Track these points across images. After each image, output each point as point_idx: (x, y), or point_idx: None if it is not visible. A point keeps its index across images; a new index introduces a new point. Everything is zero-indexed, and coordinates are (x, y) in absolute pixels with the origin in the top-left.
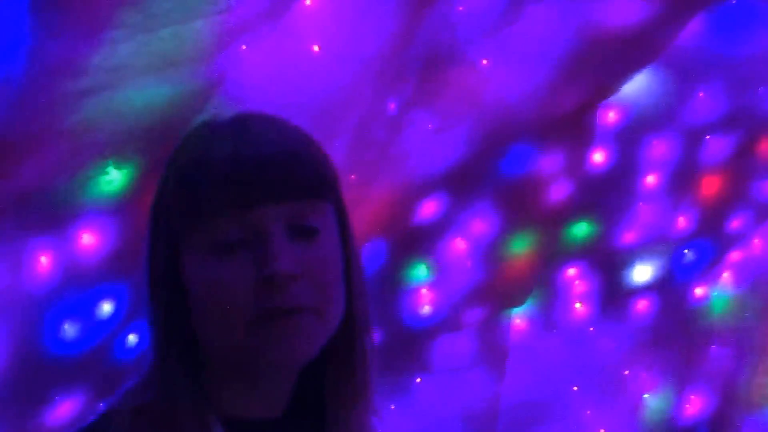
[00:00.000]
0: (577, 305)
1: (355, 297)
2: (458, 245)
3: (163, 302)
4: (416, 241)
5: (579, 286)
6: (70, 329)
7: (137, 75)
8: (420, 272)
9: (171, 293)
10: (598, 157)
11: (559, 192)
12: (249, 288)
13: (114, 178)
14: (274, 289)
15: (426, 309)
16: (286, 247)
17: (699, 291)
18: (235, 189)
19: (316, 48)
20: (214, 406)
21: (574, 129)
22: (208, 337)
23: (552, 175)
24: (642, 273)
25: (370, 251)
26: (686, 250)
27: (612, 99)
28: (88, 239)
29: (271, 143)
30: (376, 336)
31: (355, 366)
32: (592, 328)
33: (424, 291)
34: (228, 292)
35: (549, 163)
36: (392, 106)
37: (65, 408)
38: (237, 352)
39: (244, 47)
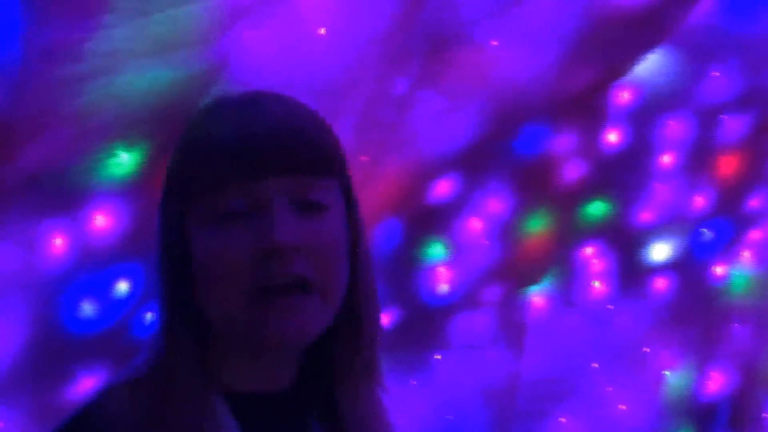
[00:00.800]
0: (595, 283)
1: (362, 275)
2: (474, 224)
3: (169, 274)
4: (431, 220)
5: (596, 265)
6: (87, 308)
7: (135, 59)
8: (436, 251)
9: (178, 265)
10: (612, 137)
11: (573, 171)
12: (248, 259)
13: (123, 161)
14: (274, 261)
15: (443, 287)
16: (287, 219)
17: (719, 270)
18: (240, 160)
19: (322, 31)
20: (216, 379)
21: (586, 109)
22: (210, 309)
23: (566, 155)
24: (660, 251)
25: (386, 230)
26: (704, 229)
27: (625, 79)
28: (100, 220)
29: (280, 118)
30: (395, 314)
31: (361, 344)
32: (610, 306)
33: (441, 269)
34: (227, 261)
35: (563, 143)
36: (398, 86)
37: (86, 384)
38: (237, 327)
39: (246, 30)
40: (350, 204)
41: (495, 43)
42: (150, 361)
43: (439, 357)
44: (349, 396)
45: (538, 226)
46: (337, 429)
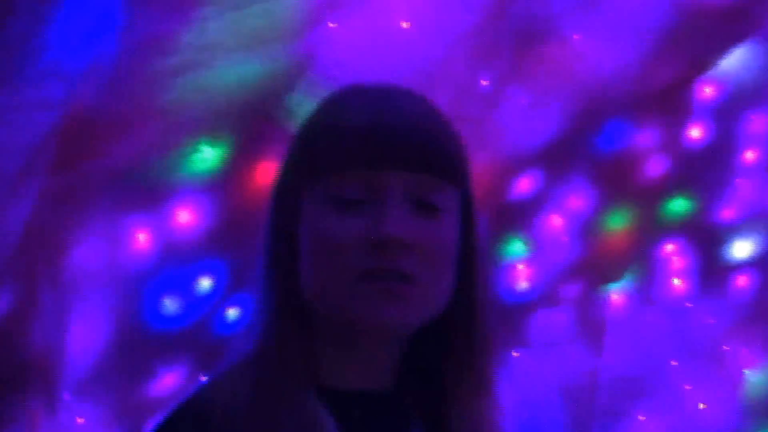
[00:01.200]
0: (675, 281)
1: (478, 283)
2: (554, 221)
3: (278, 255)
4: (512, 217)
5: (677, 262)
6: (170, 305)
7: (227, 52)
8: (516, 248)
9: (286, 245)
10: (695, 132)
11: (655, 167)
12: (358, 247)
13: (207, 156)
14: (382, 252)
15: (523, 284)
16: (402, 215)
17: None
18: (368, 148)
19: (405, 24)
20: (316, 373)
21: (670, 104)
22: (311, 289)
23: (648, 151)
24: (742, 249)
25: None
26: None
27: (709, 74)
28: (184, 216)
29: (413, 114)
30: None
31: (474, 357)
32: (690, 304)
33: (520, 267)
34: (336, 244)
35: (645, 138)
36: (485, 81)
37: (168, 380)
38: (337, 311)
39: (332, 24)
40: (469, 213)
41: (579, 37)
42: (254, 349)
43: (516, 354)
44: (460, 411)
45: (618, 223)
46: None
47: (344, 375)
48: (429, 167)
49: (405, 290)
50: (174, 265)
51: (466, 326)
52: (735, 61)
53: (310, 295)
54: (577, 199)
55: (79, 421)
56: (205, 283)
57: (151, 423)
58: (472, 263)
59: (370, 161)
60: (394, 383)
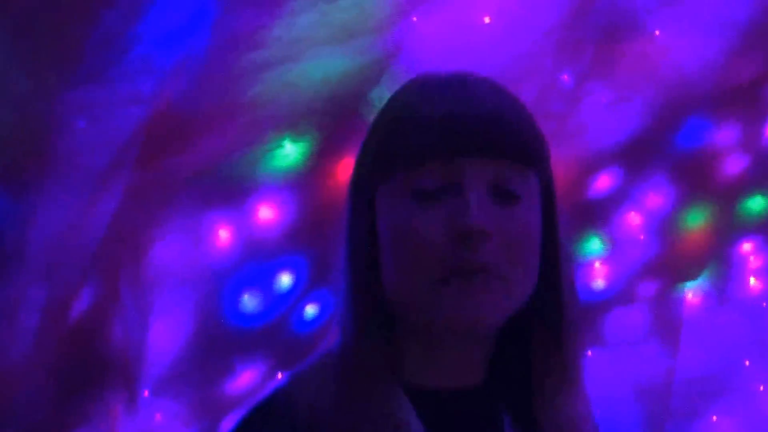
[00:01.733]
0: (752, 280)
1: (561, 274)
2: (632, 219)
3: (357, 252)
4: (591, 215)
5: (754, 261)
6: (249, 301)
7: (316, 46)
8: (594, 245)
9: (365, 242)
10: None
11: (734, 165)
12: (439, 239)
13: (289, 153)
14: (465, 244)
15: (599, 282)
16: (483, 204)
17: None
18: (444, 137)
19: (486, 19)
20: (398, 370)
21: (750, 101)
22: (393, 288)
23: (728, 148)
24: None
25: None
26: None
27: None
28: (265, 213)
29: (488, 101)
30: None
31: (561, 347)
32: (766, 304)
33: (597, 264)
34: (418, 240)
35: (725, 136)
36: (568, 77)
37: (246, 377)
38: (420, 310)
39: (416, 18)
40: (549, 199)
41: (661, 33)
42: (336, 347)
43: (590, 354)
44: (547, 402)
45: (696, 221)
46: None
47: (431, 373)
48: (507, 152)
49: (491, 283)
50: (254, 261)
51: (551, 318)
52: None
53: (393, 293)
54: (656, 197)
55: (158, 417)
56: (285, 280)
57: (230, 420)
58: (555, 253)
59: (447, 150)
60: (484, 378)
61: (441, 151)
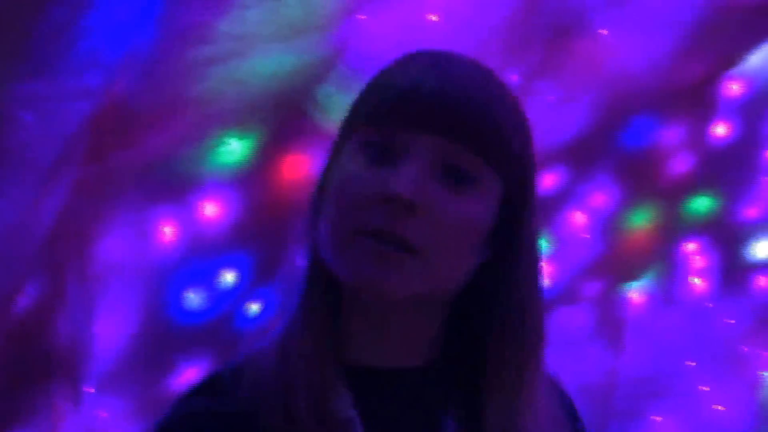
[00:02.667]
0: (696, 280)
1: (524, 277)
2: (577, 218)
3: (313, 216)
4: None
5: (698, 261)
6: (193, 298)
7: (263, 43)
8: None
9: (320, 204)
10: (720, 130)
11: (680, 165)
12: (369, 198)
13: (235, 149)
14: (388, 211)
15: (544, 281)
16: (419, 177)
17: None
18: (402, 105)
19: (434, 17)
20: (340, 348)
21: (696, 101)
22: (320, 242)
23: (673, 148)
24: (764, 249)
25: None
26: None
27: (735, 71)
28: (210, 209)
29: (463, 83)
30: None
31: (517, 352)
32: (710, 304)
33: (542, 264)
34: (350, 191)
35: (670, 135)
36: (516, 76)
37: (190, 374)
38: (332, 262)
39: (363, 15)
40: (518, 206)
41: (608, 32)
42: (272, 336)
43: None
44: (500, 402)
45: (641, 221)
46: (479, 426)
47: (376, 352)
48: (462, 137)
49: (402, 258)
50: (199, 258)
51: (511, 320)
52: (762, 58)
53: (320, 246)
54: (601, 196)
55: (102, 414)
56: (228, 277)
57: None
58: (516, 258)
59: (402, 119)
60: (433, 359)
61: (395, 117)
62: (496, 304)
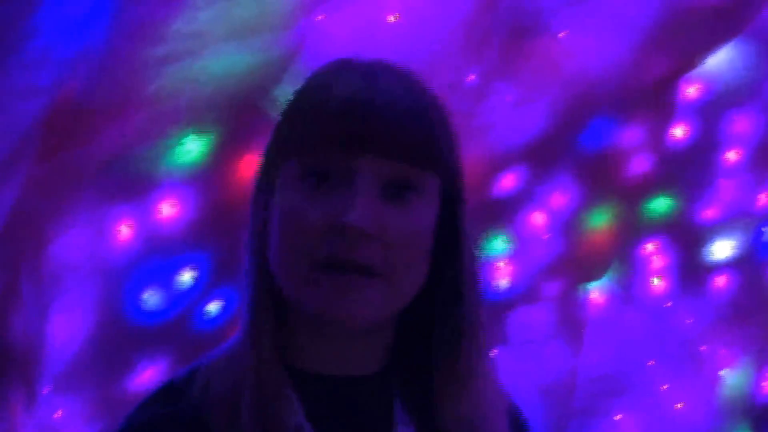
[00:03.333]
0: (655, 280)
1: (464, 271)
2: (537, 218)
3: (254, 239)
4: (495, 214)
5: (657, 261)
6: (150, 298)
7: (217, 42)
8: (498, 245)
9: (262, 230)
10: (678, 131)
11: (639, 166)
12: (319, 229)
13: (192, 148)
14: (344, 239)
15: (504, 281)
16: (370, 203)
17: None
18: (341, 130)
19: (393, 17)
20: (290, 358)
21: (654, 103)
22: (276, 274)
23: (632, 149)
24: (722, 249)
25: None
26: (766, 228)
27: (694, 73)
28: (167, 209)
29: (393, 97)
30: None
31: (461, 345)
32: (669, 303)
33: (502, 264)
34: (300, 226)
35: (629, 136)
36: (473, 76)
37: (147, 374)
38: (296, 296)
39: (322, 16)
40: (453, 201)
41: (567, 34)
42: (231, 340)
43: (496, 352)
44: (448, 399)
45: (600, 221)
46: (432, 426)
47: (324, 360)
48: (404, 155)
49: (365, 283)
50: (156, 257)
51: (454, 315)
52: (720, 60)
53: (276, 276)
54: (560, 197)
55: (58, 415)
56: (186, 277)
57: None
58: (458, 251)
59: (341, 143)
60: (383, 366)
61: (335, 143)
62: (440, 296)
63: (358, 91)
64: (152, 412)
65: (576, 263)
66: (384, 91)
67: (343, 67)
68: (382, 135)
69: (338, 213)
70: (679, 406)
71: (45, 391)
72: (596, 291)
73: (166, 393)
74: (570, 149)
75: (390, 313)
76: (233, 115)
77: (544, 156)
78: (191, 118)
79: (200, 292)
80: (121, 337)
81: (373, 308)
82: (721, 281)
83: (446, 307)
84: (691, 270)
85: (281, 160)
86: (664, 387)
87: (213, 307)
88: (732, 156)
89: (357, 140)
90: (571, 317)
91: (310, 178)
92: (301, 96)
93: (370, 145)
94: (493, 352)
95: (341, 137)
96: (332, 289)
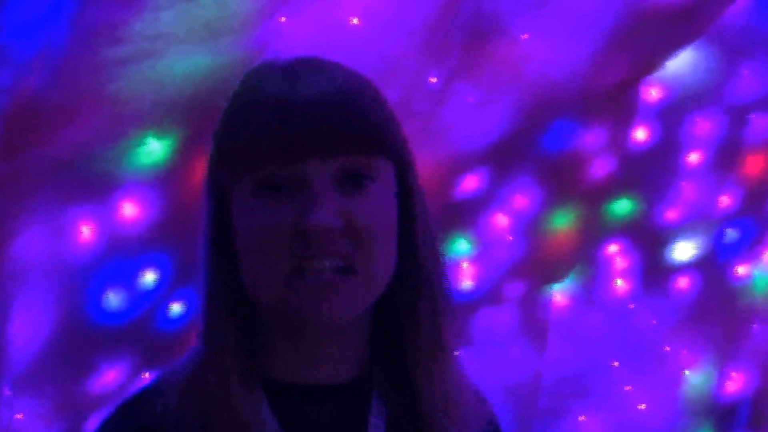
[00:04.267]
0: (618, 282)
1: (423, 252)
2: (499, 220)
3: (213, 254)
4: (457, 216)
5: (620, 263)
6: (113, 298)
7: (179, 43)
8: (461, 246)
9: (221, 245)
10: (640, 134)
11: (600, 168)
12: (287, 237)
13: (153, 149)
14: (312, 241)
15: (467, 283)
16: (328, 201)
17: (741, 270)
18: (278, 140)
19: (355, 20)
20: (261, 368)
21: (616, 105)
22: (252, 291)
23: (594, 152)
24: (684, 251)
25: None
26: (728, 229)
27: (655, 76)
28: (129, 209)
29: (321, 93)
30: None
31: (429, 323)
32: (632, 305)
33: (465, 265)
34: (266, 238)
35: (591, 139)
36: (434, 78)
37: (110, 376)
38: (274, 306)
39: (283, 18)
40: (406, 182)
41: (527, 36)
42: (198, 347)
43: (459, 353)
44: (424, 377)
45: (563, 223)
46: (412, 413)
47: (299, 369)
48: (346, 146)
49: (342, 283)
50: (118, 258)
51: (419, 297)
52: (681, 63)
53: (251, 292)
54: (522, 199)
55: (19, 416)
56: (149, 277)
57: (94, 419)
58: (414, 231)
59: (283, 153)
60: (361, 372)
61: (278, 153)
62: (407, 284)
63: (284, 96)
64: (123, 422)
65: (539, 265)
66: (310, 89)
67: (263, 74)
68: (317, 134)
69: (299, 219)
70: (642, 406)
71: (5, 392)
72: (559, 292)
73: (136, 402)
74: (532, 151)
75: (367, 304)
76: (195, 116)
77: (506, 158)
78: (153, 119)
79: (163, 292)
80: (83, 338)
81: (353, 302)
82: (683, 282)
83: (413, 293)
84: (653, 271)
85: (230, 179)
86: (628, 387)
87: (176, 308)
88: (694, 158)
89: (295, 146)
90: (534, 319)
91: (263, 193)
92: (232, 112)
93: (310, 147)
94: (457, 353)
95: (279, 147)
96: (311, 293)
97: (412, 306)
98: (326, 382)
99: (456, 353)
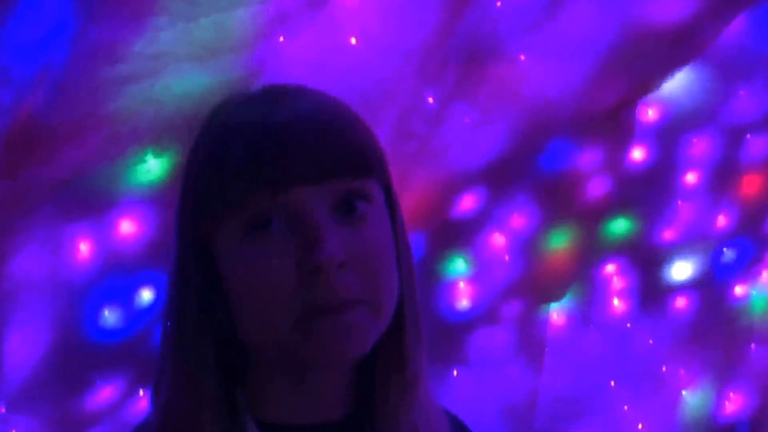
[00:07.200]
0: (615, 301)
1: (405, 283)
2: (496, 240)
3: (190, 299)
4: (454, 235)
5: (617, 283)
6: (110, 316)
7: (178, 63)
8: (458, 266)
9: (202, 291)
10: (637, 154)
11: (597, 188)
12: (293, 279)
13: (152, 168)
14: (320, 280)
15: (464, 303)
16: (331, 232)
17: (739, 290)
18: (268, 165)
19: (353, 40)
20: (253, 411)
21: (613, 126)
22: (250, 334)
23: (591, 171)
24: (681, 270)
25: None
26: (726, 249)
27: (652, 96)
28: (127, 227)
29: (307, 114)
30: None
31: (407, 356)
32: (629, 324)
33: (461, 285)
34: (271, 284)
35: (588, 159)
36: (431, 99)
37: (106, 393)
38: (283, 350)
39: (282, 38)
40: (392, 206)
41: (525, 57)
42: (169, 399)
43: (456, 373)
44: (393, 416)
45: (560, 243)
46: None
47: (294, 409)
48: (344, 170)
49: (354, 318)
50: (115, 275)
51: (396, 325)
52: (678, 83)
53: (250, 340)
54: (520, 218)
55: None
56: (146, 296)
57: None
58: (399, 256)
59: (272, 182)
60: (350, 411)
61: (264, 185)
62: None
63: (265, 124)
64: None
65: (536, 284)
66: (293, 111)
67: (239, 103)
68: (308, 156)
69: (305, 256)
70: (640, 426)
71: (1, 409)
72: (556, 312)
73: None
74: (529, 171)
75: (378, 336)
76: (193, 135)
77: (503, 178)
78: (151, 137)
79: (160, 310)
80: (79, 356)
81: (368, 336)
82: (680, 302)
83: (393, 331)
84: (650, 291)
85: (210, 227)
86: (626, 408)
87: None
88: (690, 178)
89: (286, 171)
90: (531, 338)
91: (253, 234)
92: (204, 148)
93: (302, 172)
94: (454, 373)
95: (268, 174)
96: (328, 333)
97: (393, 339)
98: (323, 421)
99: (427, 383)
